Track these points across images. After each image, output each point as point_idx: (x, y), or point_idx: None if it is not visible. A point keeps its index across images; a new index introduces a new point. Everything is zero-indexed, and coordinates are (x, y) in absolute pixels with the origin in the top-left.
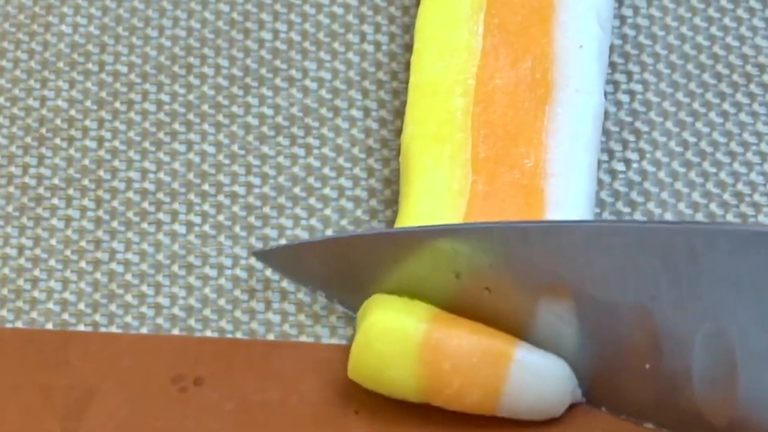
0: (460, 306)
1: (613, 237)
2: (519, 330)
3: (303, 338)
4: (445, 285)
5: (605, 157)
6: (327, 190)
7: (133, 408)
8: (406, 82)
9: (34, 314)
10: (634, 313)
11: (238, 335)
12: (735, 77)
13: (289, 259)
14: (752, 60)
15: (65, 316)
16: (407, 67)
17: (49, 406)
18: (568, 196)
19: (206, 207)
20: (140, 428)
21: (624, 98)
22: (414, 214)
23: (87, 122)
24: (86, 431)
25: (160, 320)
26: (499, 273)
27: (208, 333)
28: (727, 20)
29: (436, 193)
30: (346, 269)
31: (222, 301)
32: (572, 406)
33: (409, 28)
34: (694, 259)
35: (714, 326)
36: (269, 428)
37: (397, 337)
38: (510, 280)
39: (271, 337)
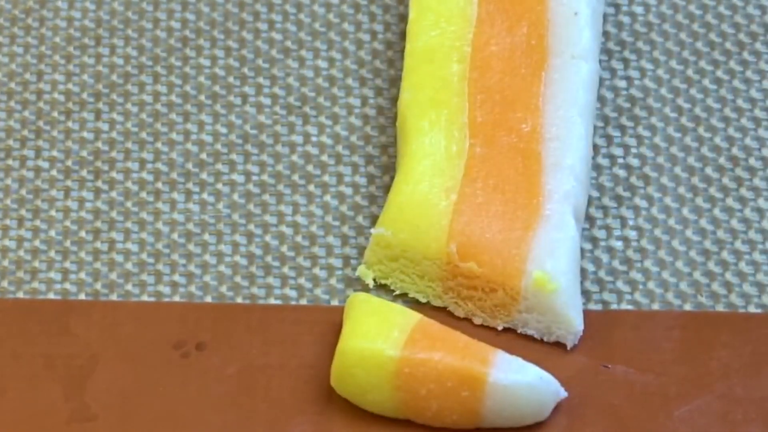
0: None
1: None
2: None
3: (303, 302)
4: None
5: (603, 143)
6: (326, 177)
7: (136, 374)
8: (401, 50)
9: (35, 284)
10: None
11: (239, 300)
12: (728, 45)
13: None
14: (744, 28)
15: (66, 285)
16: (402, 37)
17: (51, 374)
18: (565, 159)
19: (205, 195)
20: (143, 394)
21: (621, 84)
22: (413, 172)
23: (84, 114)
24: (89, 398)
25: (160, 287)
26: None
27: (209, 299)
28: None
29: (435, 153)
30: None
31: (222, 267)
32: (558, 405)
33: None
34: None
35: None
36: (270, 391)
37: (370, 366)
38: None
39: (271, 301)
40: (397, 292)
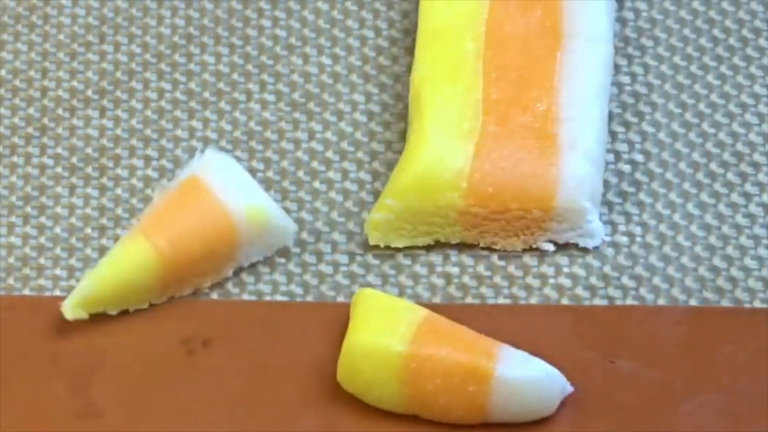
0: None
1: None
2: None
3: (309, 298)
4: None
5: (608, 138)
6: (331, 174)
7: (142, 371)
8: (405, 47)
9: (41, 281)
10: None
11: (245, 297)
12: (731, 41)
13: None
14: (748, 24)
15: (72, 282)
16: (406, 33)
17: (57, 371)
18: (580, 140)
19: None
20: (150, 390)
21: (625, 80)
22: (422, 152)
23: (89, 111)
24: (96, 395)
25: None
26: None
27: (215, 296)
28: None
29: (446, 131)
30: None
31: None
32: (564, 400)
33: None
34: None
35: None
36: (277, 387)
37: (378, 361)
38: None
39: (277, 297)
40: (406, 292)
